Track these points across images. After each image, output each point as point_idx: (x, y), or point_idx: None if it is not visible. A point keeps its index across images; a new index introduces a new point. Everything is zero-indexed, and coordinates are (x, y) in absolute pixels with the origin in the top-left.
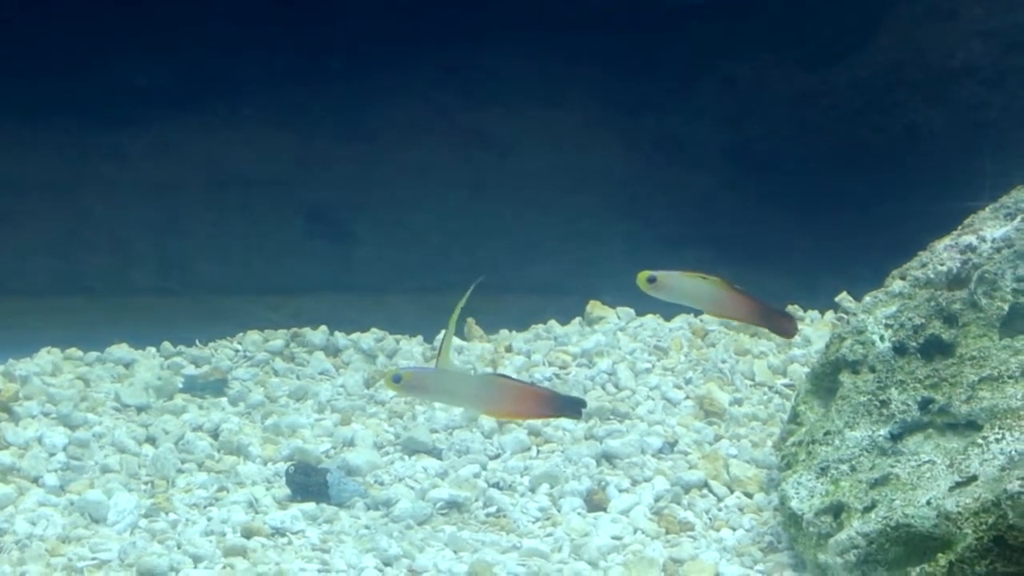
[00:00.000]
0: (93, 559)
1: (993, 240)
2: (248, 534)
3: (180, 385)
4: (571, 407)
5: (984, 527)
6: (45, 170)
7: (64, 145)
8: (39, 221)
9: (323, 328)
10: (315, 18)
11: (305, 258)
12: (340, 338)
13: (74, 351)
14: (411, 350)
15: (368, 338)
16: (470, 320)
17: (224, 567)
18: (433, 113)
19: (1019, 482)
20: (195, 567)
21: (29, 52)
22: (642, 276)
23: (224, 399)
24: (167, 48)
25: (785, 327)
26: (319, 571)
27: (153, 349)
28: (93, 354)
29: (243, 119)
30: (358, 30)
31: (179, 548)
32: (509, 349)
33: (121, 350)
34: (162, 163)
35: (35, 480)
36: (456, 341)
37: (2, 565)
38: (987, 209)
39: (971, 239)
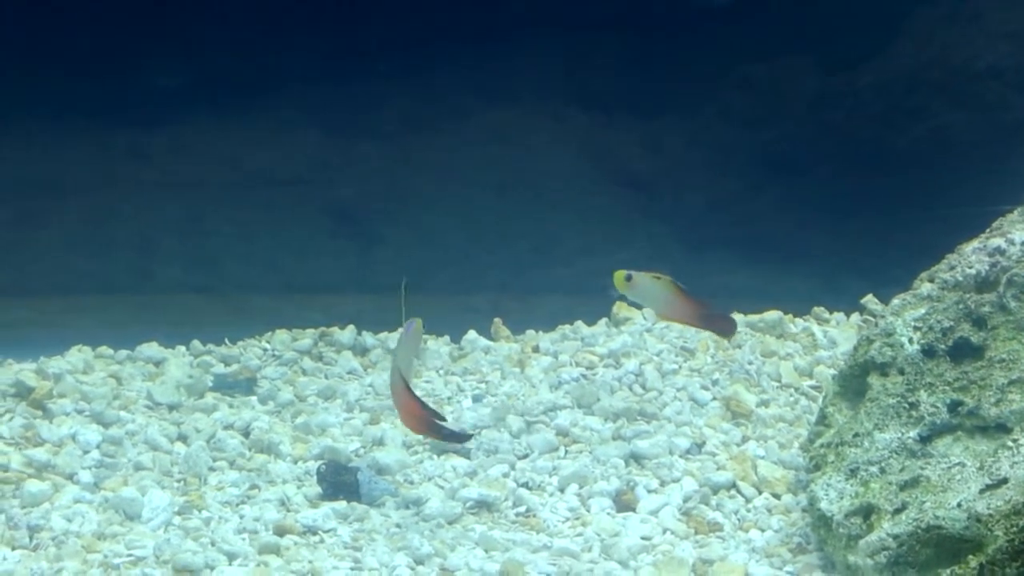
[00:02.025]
0: (129, 556)
1: (1022, 243)
2: (281, 532)
3: (210, 384)
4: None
5: (1015, 529)
6: (73, 171)
7: (93, 146)
8: (68, 221)
9: (351, 327)
10: (340, 17)
11: (332, 257)
12: (368, 337)
13: (105, 349)
14: (438, 349)
15: (395, 337)
16: (497, 320)
17: (258, 564)
18: (459, 114)
19: None
20: (230, 564)
21: (57, 55)
22: (619, 275)
23: (254, 398)
24: (194, 48)
25: (725, 328)
26: (352, 569)
27: (183, 348)
28: (124, 352)
29: (270, 119)
30: (383, 30)
31: (213, 545)
32: (536, 350)
33: (151, 349)
34: (190, 163)
35: (70, 477)
36: (483, 341)
37: (39, 561)
38: (1015, 212)
39: (999, 242)
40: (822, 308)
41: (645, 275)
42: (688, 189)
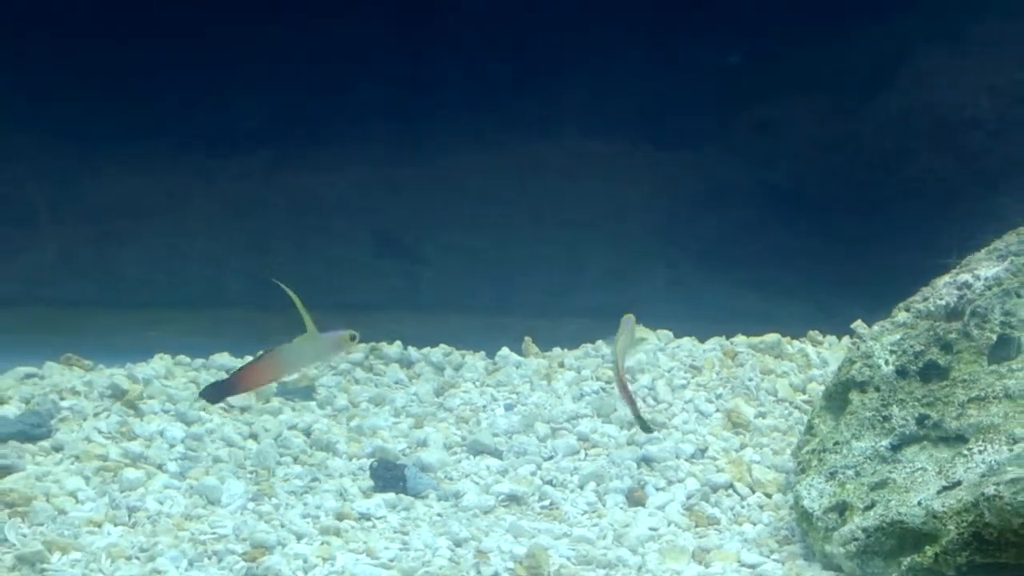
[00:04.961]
0: (213, 533)
1: (985, 279)
2: (339, 517)
3: (275, 390)
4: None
5: (964, 524)
6: (157, 197)
7: (172, 174)
8: (149, 241)
9: (398, 343)
10: (389, 57)
11: (380, 278)
12: (412, 352)
13: (183, 358)
14: (475, 364)
15: (437, 352)
16: (527, 339)
17: (322, 543)
18: (497, 145)
19: (994, 486)
20: (298, 542)
21: (150, 96)
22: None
23: (313, 403)
24: (253, 85)
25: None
26: (400, 550)
27: (251, 357)
28: (199, 360)
29: (326, 151)
30: (425, 70)
31: (283, 527)
32: (561, 365)
33: (224, 357)
34: (255, 190)
35: (159, 467)
36: (515, 357)
37: (138, 536)
38: (982, 251)
39: (967, 277)
40: (817, 331)
41: (625, 335)
42: (703, 220)
